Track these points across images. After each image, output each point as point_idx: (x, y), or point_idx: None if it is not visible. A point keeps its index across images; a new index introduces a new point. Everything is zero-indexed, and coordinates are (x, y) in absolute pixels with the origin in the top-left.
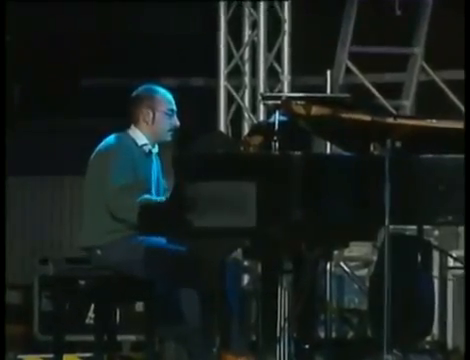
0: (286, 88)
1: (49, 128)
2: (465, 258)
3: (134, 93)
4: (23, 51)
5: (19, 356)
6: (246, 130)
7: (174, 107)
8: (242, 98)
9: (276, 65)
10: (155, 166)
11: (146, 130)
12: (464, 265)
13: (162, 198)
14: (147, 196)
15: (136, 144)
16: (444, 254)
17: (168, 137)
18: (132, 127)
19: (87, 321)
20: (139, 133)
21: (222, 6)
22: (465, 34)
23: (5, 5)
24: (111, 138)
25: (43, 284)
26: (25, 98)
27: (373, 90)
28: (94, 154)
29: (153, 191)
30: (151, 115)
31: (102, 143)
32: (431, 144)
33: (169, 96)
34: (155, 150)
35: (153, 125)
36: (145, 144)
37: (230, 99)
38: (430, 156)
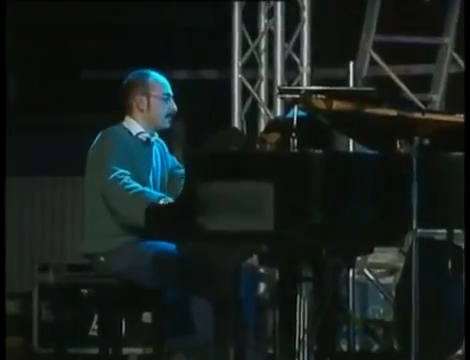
0: (305, 81)
1: (48, 124)
2: (465, 258)
3: (125, 80)
4: (19, 42)
5: None
6: (262, 126)
7: (170, 91)
8: (258, 92)
9: (294, 56)
10: (157, 153)
11: (141, 118)
12: (464, 264)
13: (161, 194)
14: (147, 189)
15: (131, 134)
16: None
17: (166, 124)
18: (126, 118)
19: (90, 333)
20: (134, 122)
21: None
22: (465, 34)
23: (5, 5)
24: (103, 132)
25: (43, 293)
26: (21, 92)
27: (399, 83)
28: (89, 151)
29: (158, 181)
30: (145, 101)
31: (95, 139)
32: (462, 141)
33: (163, 79)
34: (154, 137)
35: (149, 112)
36: (141, 132)
37: (245, 93)
38: (460, 154)
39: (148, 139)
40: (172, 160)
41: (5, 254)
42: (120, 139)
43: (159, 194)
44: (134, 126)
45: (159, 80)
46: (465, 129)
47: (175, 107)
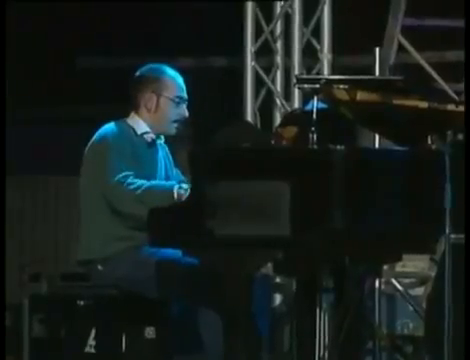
0: (326, 69)
1: (43, 118)
2: (465, 258)
3: (137, 73)
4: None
5: None
6: (278, 120)
7: (184, 94)
8: (273, 81)
9: (314, 41)
10: (161, 157)
11: (148, 118)
12: (464, 264)
13: (173, 183)
14: (154, 181)
15: (135, 133)
16: None
17: (172, 130)
18: (132, 114)
19: (87, 349)
20: (139, 121)
21: None
22: (465, 34)
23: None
24: (105, 128)
25: (35, 305)
26: (15, 84)
27: (431, 71)
28: (88, 148)
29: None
30: (155, 101)
31: (96, 135)
32: None
33: (179, 80)
34: (160, 140)
35: (156, 113)
36: (146, 132)
37: (259, 82)
38: None
39: (153, 140)
40: (177, 174)
41: (5, 260)
42: (123, 137)
43: (170, 182)
44: (140, 125)
45: (174, 80)
46: (465, 129)
47: (186, 113)
